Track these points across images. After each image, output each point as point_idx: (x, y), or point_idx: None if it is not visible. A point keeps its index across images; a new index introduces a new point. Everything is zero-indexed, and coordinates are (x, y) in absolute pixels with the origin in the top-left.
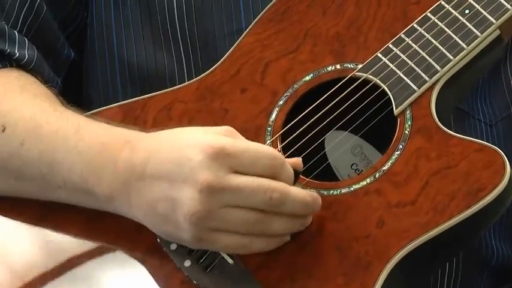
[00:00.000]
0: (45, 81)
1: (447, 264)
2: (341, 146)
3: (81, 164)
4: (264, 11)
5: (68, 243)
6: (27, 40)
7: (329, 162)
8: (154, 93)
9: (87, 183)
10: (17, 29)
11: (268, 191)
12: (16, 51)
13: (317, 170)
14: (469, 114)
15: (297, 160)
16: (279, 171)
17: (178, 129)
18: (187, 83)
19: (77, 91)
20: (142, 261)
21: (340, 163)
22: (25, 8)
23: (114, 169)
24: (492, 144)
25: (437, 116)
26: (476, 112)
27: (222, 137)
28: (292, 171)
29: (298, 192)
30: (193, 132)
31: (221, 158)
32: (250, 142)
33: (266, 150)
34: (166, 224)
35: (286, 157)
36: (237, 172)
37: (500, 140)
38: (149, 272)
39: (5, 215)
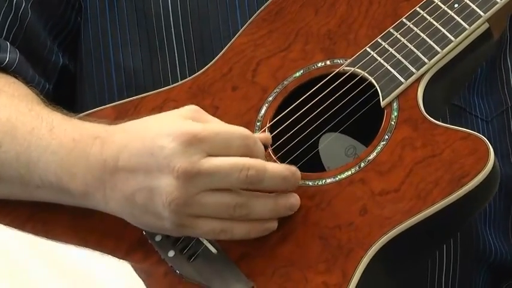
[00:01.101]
0: (27, 82)
1: (444, 260)
2: (334, 148)
3: (55, 163)
4: (258, 12)
5: None
6: (10, 44)
7: (322, 164)
8: (147, 93)
9: (61, 182)
10: (3, 37)
11: (244, 169)
12: None
13: (306, 161)
14: (465, 110)
15: (267, 135)
16: (252, 149)
17: (144, 118)
18: (180, 82)
19: (70, 96)
20: (127, 256)
21: (333, 164)
22: (10, 16)
23: (86, 165)
24: (488, 140)
25: (424, 108)
26: (473, 108)
27: (192, 122)
28: (263, 148)
29: (275, 167)
30: (161, 121)
31: (194, 143)
32: (221, 123)
33: (238, 131)
34: (145, 215)
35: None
36: (211, 155)
37: (495, 136)
38: (133, 266)
39: None
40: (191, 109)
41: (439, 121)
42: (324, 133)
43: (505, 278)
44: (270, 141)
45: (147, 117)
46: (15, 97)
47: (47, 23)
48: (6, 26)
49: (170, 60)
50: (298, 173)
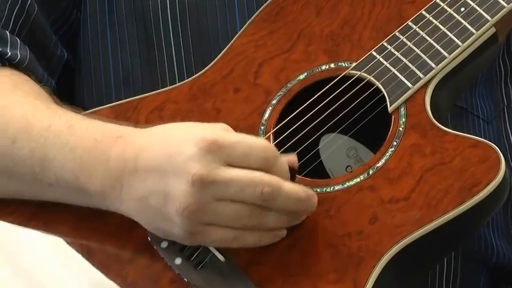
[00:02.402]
0: (39, 80)
1: (445, 262)
2: (335, 149)
3: (73, 161)
4: (257, 12)
5: None
6: (20, 40)
7: (323, 165)
8: (146, 94)
9: (78, 181)
10: (9, 30)
11: (259, 185)
12: (8, 51)
13: (310, 167)
14: (467, 110)
15: (293, 157)
16: (273, 164)
17: (170, 124)
18: (179, 83)
19: (70, 91)
20: (131, 261)
21: (334, 165)
22: (16, 8)
23: (106, 165)
24: (489, 141)
25: (432, 113)
26: (475, 109)
27: (215, 130)
28: (287, 166)
29: (291, 187)
30: (185, 126)
31: (213, 150)
32: (244, 135)
33: (259, 143)
34: (158, 218)
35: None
36: (230, 165)
37: (494, 136)
38: (137, 272)
39: None
40: (222, 125)
41: (444, 125)
42: (324, 134)
43: (506, 281)
44: (297, 162)
45: (174, 123)
46: (30, 94)
47: (50, 17)
48: (13, 18)
49: (168, 59)
50: (315, 198)
